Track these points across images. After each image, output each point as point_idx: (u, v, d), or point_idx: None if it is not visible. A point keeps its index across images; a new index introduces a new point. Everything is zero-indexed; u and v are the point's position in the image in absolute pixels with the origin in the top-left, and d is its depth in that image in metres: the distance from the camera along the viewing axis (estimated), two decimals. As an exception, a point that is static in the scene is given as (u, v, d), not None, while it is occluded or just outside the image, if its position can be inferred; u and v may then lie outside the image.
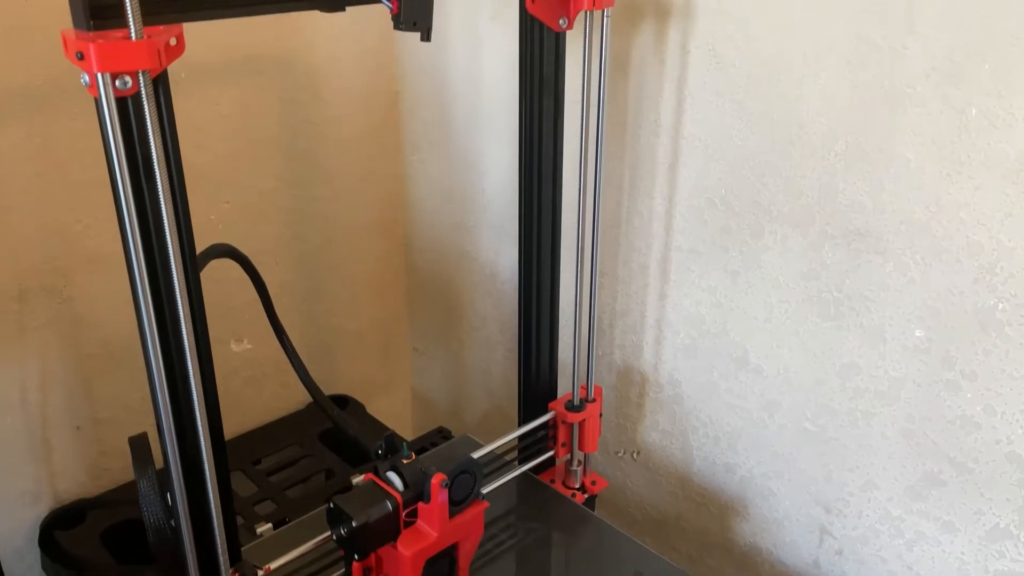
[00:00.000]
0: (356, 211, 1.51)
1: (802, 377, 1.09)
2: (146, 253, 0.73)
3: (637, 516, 1.37)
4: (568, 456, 1.19)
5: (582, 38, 1.00)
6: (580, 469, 1.19)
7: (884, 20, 0.90)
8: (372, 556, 0.87)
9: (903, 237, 0.95)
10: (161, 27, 0.68)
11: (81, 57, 0.63)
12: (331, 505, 0.85)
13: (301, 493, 1.29)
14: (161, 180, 0.71)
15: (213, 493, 0.83)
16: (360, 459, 1.33)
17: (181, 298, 0.76)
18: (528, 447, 1.17)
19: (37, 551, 1.21)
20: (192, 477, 0.82)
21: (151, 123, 0.68)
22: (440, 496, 0.85)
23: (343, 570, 0.90)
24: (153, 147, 0.69)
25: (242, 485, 1.29)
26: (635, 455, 1.34)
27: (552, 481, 1.19)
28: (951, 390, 0.96)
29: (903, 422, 1.01)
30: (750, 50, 1.02)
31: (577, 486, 1.19)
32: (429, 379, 1.71)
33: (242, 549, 0.93)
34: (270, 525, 1.07)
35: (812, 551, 1.15)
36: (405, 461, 0.87)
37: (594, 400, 1.16)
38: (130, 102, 0.68)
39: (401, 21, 0.78)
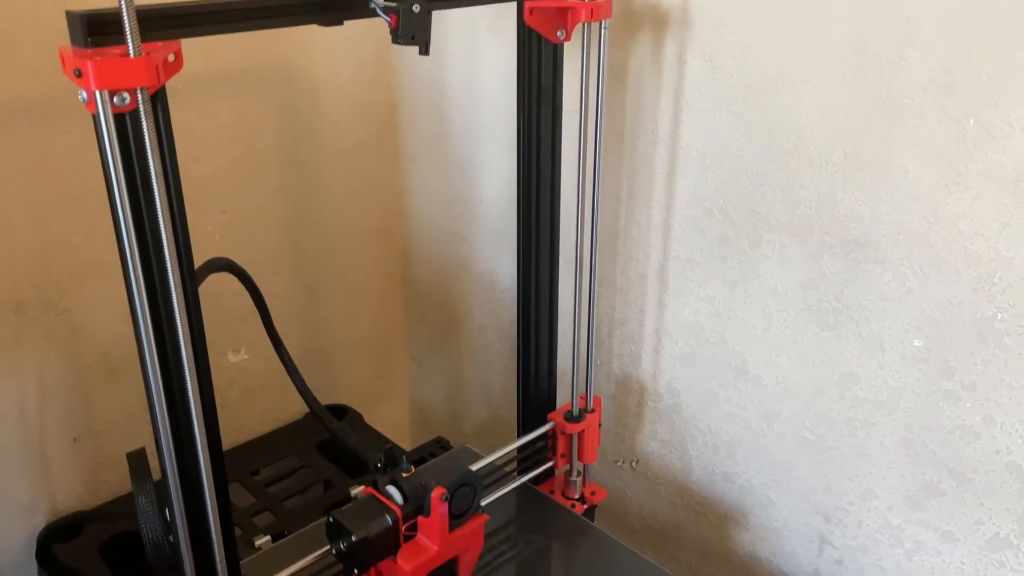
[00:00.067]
0: (354, 221, 1.51)
1: (801, 386, 1.09)
2: (144, 269, 0.73)
3: (636, 525, 1.37)
4: (567, 467, 1.18)
5: (580, 49, 1.00)
6: (579, 479, 1.19)
7: (882, 31, 0.90)
8: (372, 570, 0.87)
9: (901, 247, 0.95)
10: (159, 43, 0.68)
11: (79, 74, 0.63)
12: (330, 519, 0.85)
13: (299, 504, 1.29)
14: (159, 195, 0.71)
15: (212, 507, 0.83)
16: (359, 469, 1.33)
17: (179, 314, 0.76)
18: (527, 458, 1.17)
19: (34, 564, 1.21)
20: (190, 490, 0.82)
21: (149, 139, 0.68)
22: (440, 510, 0.84)
23: (343, 584, 0.89)
24: (151, 163, 0.69)
25: (240, 496, 1.29)
26: (634, 464, 1.34)
27: (551, 492, 1.19)
28: (950, 400, 0.96)
29: (902, 432, 1.01)
30: (747, 61, 1.02)
31: (577, 497, 1.19)
32: (427, 388, 1.71)
33: (241, 563, 0.93)
34: (269, 538, 1.06)
35: (812, 560, 1.15)
36: (404, 475, 0.87)
37: (593, 410, 1.16)
38: (128, 118, 0.68)
39: (399, 35, 0.78)
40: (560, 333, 1.18)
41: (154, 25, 0.67)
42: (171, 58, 0.69)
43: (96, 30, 0.63)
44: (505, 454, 1.15)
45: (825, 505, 1.11)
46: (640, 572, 1.04)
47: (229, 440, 1.41)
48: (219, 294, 1.06)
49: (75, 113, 1.12)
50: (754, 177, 1.05)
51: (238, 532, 1.14)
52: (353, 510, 0.86)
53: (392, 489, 0.86)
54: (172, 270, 0.74)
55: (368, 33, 1.40)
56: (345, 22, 0.81)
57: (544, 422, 1.17)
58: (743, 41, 1.01)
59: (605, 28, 1.00)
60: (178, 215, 0.75)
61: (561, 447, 1.17)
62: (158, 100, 0.69)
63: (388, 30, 0.80)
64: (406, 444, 1.69)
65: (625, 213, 1.21)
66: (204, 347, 0.82)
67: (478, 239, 1.46)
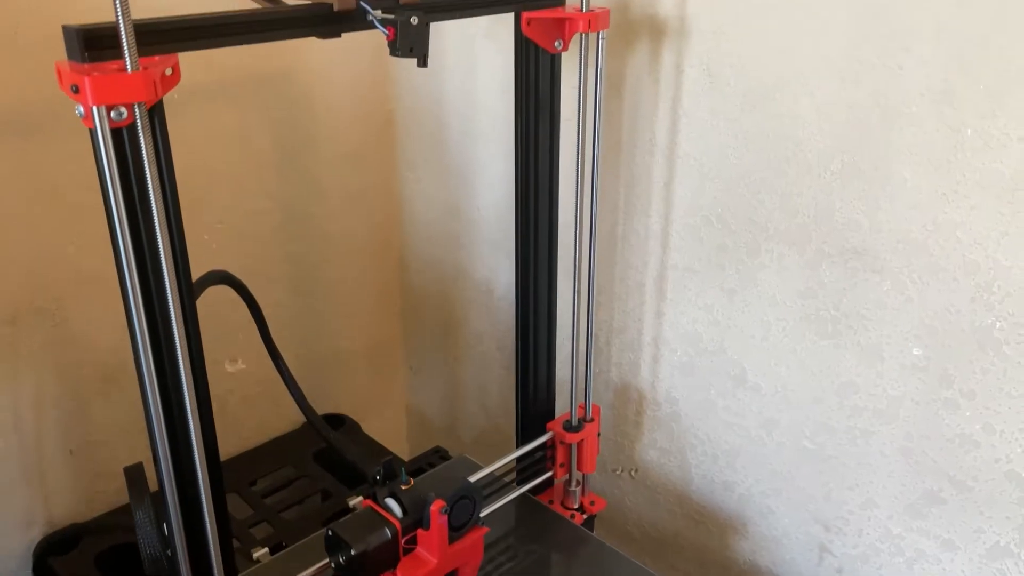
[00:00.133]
0: (351, 228, 1.50)
1: (800, 395, 1.09)
2: (142, 282, 0.73)
3: (635, 534, 1.36)
4: (567, 476, 1.18)
5: (577, 59, 1.00)
6: (579, 489, 1.18)
7: (879, 39, 0.90)
8: (371, 583, 0.86)
9: (900, 256, 0.95)
10: (157, 57, 0.67)
11: (76, 90, 0.62)
12: (329, 532, 0.85)
13: (297, 515, 1.29)
14: (157, 209, 0.71)
15: (210, 520, 0.83)
16: (356, 479, 1.33)
17: (177, 327, 0.75)
18: (526, 468, 1.16)
19: (31, 577, 1.21)
20: (188, 503, 0.82)
21: (147, 153, 0.68)
22: (439, 522, 0.84)
23: (342, 598, 0.89)
24: (149, 176, 0.69)
25: (237, 507, 1.28)
26: (633, 473, 1.33)
27: (551, 502, 1.18)
28: (950, 408, 0.95)
29: (902, 440, 1.00)
30: (745, 69, 1.02)
31: (576, 506, 1.18)
32: (424, 396, 1.70)
33: (239, 576, 0.92)
34: (267, 550, 1.06)
35: (812, 569, 1.15)
36: (404, 487, 0.86)
37: (592, 420, 1.16)
38: (125, 132, 0.67)
39: (397, 48, 0.78)
40: (558, 342, 1.18)
41: (152, 39, 0.67)
42: (168, 72, 0.69)
43: (93, 45, 0.63)
44: (504, 464, 1.14)
45: (825, 514, 1.11)
46: (640, 583, 1.04)
47: (226, 450, 1.39)
48: (215, 304, 1.06)
49: (69, 122, 1.10)
50: (752, 185, 1.05)
51: (236, 544, 1.13)
52: (352, 523, 0.85)
53: (391, 502, 0.86)
54: (170, 283, 0.74)
55: (365, 41, 1.40)
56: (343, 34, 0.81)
57: (543, 432, 1.16)
58: (740, 50, 1.01)
59: (603, 38, 1.00)
60: (175, 228, 0.75)
61: (560, 457, 1.16)
62: (155, 114, 0.69)
63: (385, 42, 0.80)
64: (403, 453, 1.68)
65: (623, 222, 1.21)
66: (202, 359, 0.82)
67: (475, 246, 1.45)
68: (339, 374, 1.58)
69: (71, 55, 0.63)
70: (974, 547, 0.98)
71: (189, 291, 0.78)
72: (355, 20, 0.80)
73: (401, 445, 1.75)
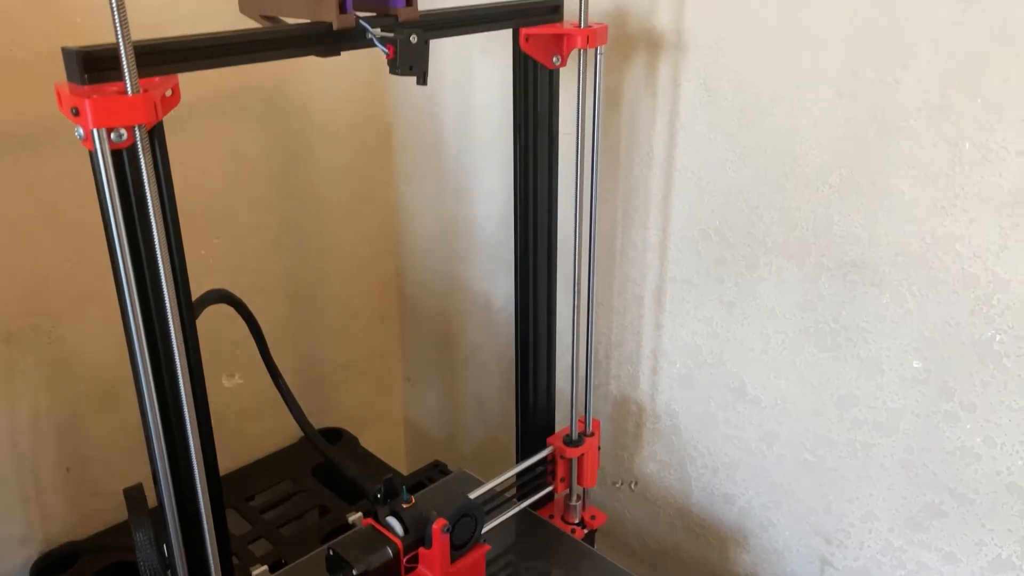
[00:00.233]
0: (348, 242, 1.50)
1: (800, 408, 1.09)
2: (141, 301, 0.72)
3: (635, 547, 1.36)
4: (567, 491, 1.18)
5: (575, 74, 1.00)
6: (579, 504, 1.18)
7: (877, 54, 0.90)
8: (373, 603, 0.86)
9: (899, 269, 0.95)
10: (157, 79, 0.67)
11: (76, 113, 0.62)
12: (330, 552, 0.84)
13: (295, 531, 1.28)
14: (156, 228, 0.70)
15: (210, 538, 0.82)
16: (355, 495, 1.32)
17: (177, 345, 0.75)
18: (527, 483, 1.16)
19: (28, 597, 1.20)
20: (188, 520, 0.81)
21: (147, 174, 0.68)
22: (442, 541, 0.84)
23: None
24: (148, 197, 0.69)
25: (235, 523, 1.27)
26: (633, 486, 1.33)
27: (551, 517, 1.18)
28: (950, 421, 0.96)
29: (902, 453, 1.00)
30: (742, 84, 1.02)
31: (577, 521, 1.18)
32: (423, 410, 1.70)
33: (239, 595, 0.92)
34: (266, 568, 1.05)
35: (813, 582, 1.14)
36: (405, 505, 0.86)
37: (592, 434, 1.16)
38: (125, 153, 0.67)
39: (397, 66, 0.78)
40: (557, 355, 1.17)
41: (152, 60, 0.66)
42: (168, 93, 0.69)
43: (93, 67, 0.63)
44: (504, 480, 1.14)
45: (826, 527, 1.11)
46: (642, 597, 1.03)
47: (223, 465, 1.38)
48: (213, 319, 1.05)
49: (67, 139, 1.10)
50: (750, 199, 1.05)
51: (234, 561, 1.13)
52: (353, 542, 0.85)
53: (393, 520, 0.85)
54: (170, 302, 0.73)
55: (362, 56, 1.40)
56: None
57: (543, 446, 1.16)
58: (738, 64, 1.02)
59: (601, 53, 1.00)
60: (175, 247, 0.75)
61: (561, 471, 1.16)
62: (155, 135, 0.69)
63: (385, 61, 0.80)
64: (401, 466, 1.68)
65: (621, 235, 1.21)
66: (202, 376, 0.81)
67: (473, 259, 1.45)
68: (337, 387, 1.57)
69: (71, 77, 0.63)
70: (976, 560, 0.98)
71: (189, 309, 0.78)
72: (354, 38, 0.80)
73: (399, 458, 1.74)
